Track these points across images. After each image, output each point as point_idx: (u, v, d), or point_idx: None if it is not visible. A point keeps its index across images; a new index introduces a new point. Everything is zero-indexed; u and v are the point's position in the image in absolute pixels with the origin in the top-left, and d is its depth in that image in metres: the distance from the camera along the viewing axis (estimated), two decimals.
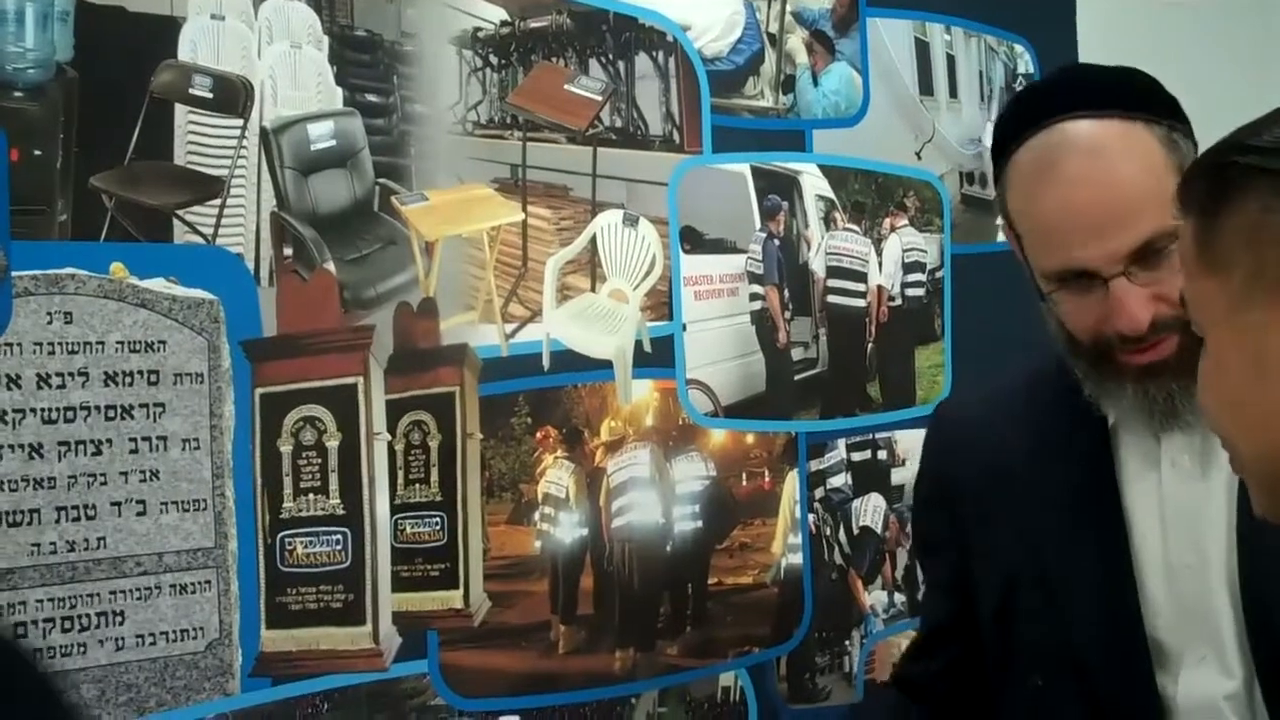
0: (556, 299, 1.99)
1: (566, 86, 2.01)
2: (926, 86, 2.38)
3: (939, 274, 2.39)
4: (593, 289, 2.03)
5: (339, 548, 1.78)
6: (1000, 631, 1.62)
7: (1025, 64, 2.50)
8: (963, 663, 1.67)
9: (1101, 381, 1.50)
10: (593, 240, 2.02)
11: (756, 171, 2.18)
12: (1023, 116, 1.52)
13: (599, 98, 2.03)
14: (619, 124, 2.05)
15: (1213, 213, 1.00)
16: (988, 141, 2.46)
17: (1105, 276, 1.44)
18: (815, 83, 2.24)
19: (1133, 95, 1.50)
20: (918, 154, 2.37)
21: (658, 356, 2.09)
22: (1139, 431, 1.53)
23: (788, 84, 2.21)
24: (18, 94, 1.56)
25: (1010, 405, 1.66)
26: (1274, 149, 0.98)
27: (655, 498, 2.10)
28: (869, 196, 2.31)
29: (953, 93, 2.42)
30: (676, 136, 2.10)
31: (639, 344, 2.06)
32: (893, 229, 2.33)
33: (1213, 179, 1.01)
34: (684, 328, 2.10)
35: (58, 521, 1.58)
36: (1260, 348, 0.98)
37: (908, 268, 2.35)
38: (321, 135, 1.80)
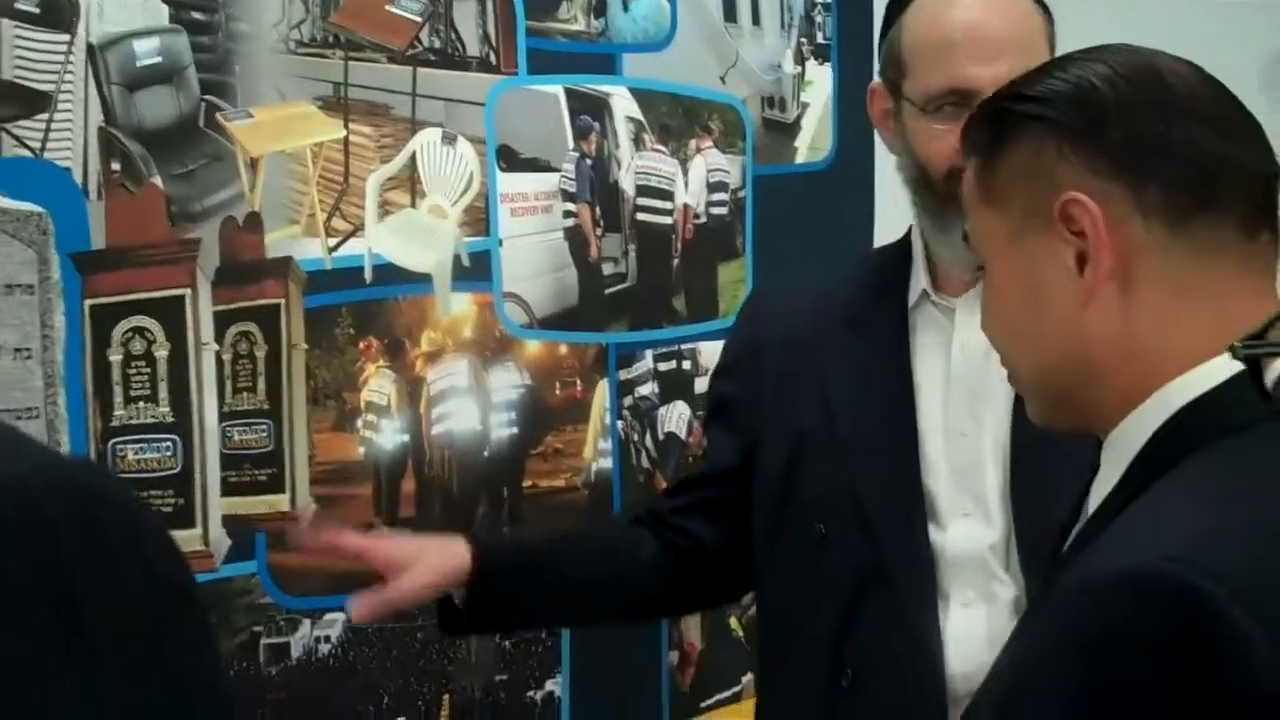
0: (378, 214, 2.05)
1: (387, 7, 2.06)
2: (730, 14, 2.48)
3: (741, 194, 2.50)
4: (413, 205, 2.09)
5: (169, 454, 1.84)
6: (786, 484, 1.78)
7: None
8: (721, 504, 1.83)
9: (943, 215, 1.67)
10: (412, 158, 2.08)
11: (570, 93, 2.26)
12: None
13: (419, 19, 2.08)
14: (438, 45, 2.11)
15: (993, 153, 1.13)
16: (787, 68, 2.59)
17: (976, 96, 1.61)
18: (625, 8, 2.32)
19: None
20: (722, 78, 2.47)
21: (475, 271, 2.16)
22: (933, 313, 1.72)
23: (600, 9, 2.29)
24: None
25: (816, 289, 1.85)
26: (1045, 98, 1.10)
27: (473, 405, 2.18)
28: (676, 119, 2.41)
29: (755, 20, 2.52)
30: (493, 58, 2.17)
31: (457, 258, 2.13)
32: (698, 150, 2.43)
33: (993, 123, 1.14)
34: (500, 243, 2.18)
35: None
36: (1034, 274, 1.11)
37: (712, 187, 2.46)
38: (147, 52, 1.82)
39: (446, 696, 2.16)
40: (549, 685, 2.28)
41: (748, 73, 2.51)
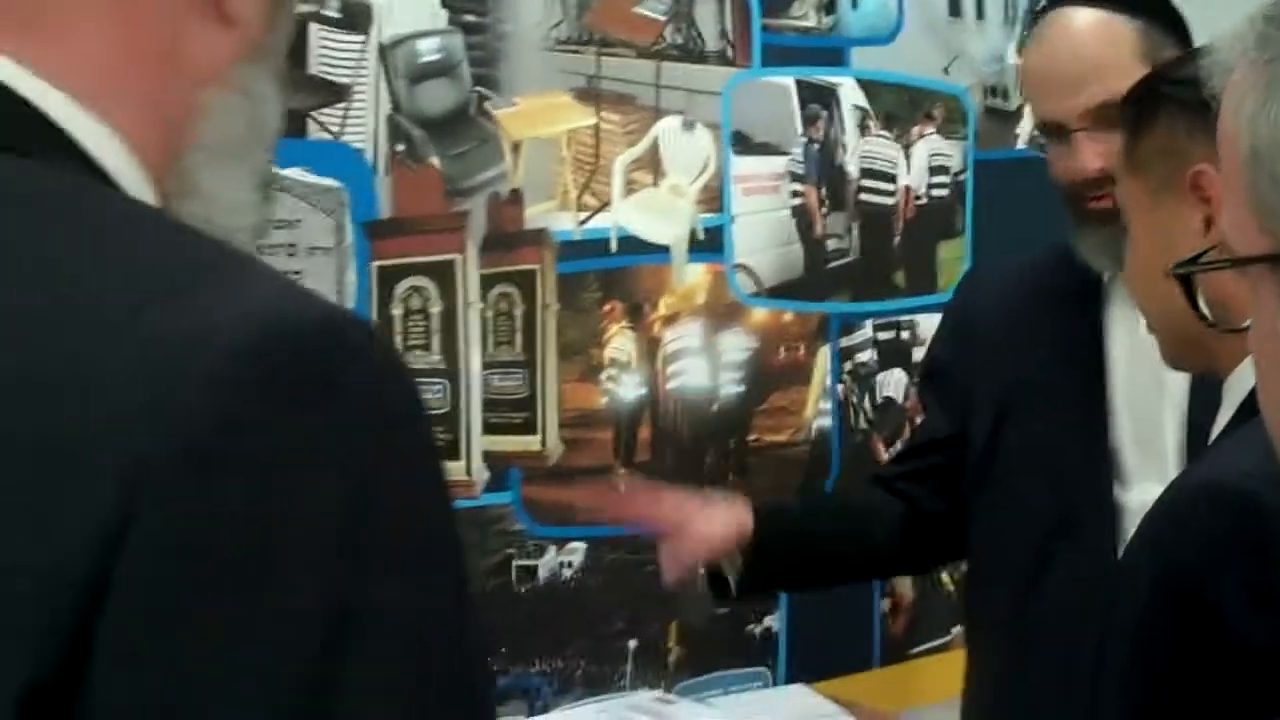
0: (623, 192, 2.30)
1: (635, 9, 2.31)
2: (955, 9, 2.65)
3: (961, 177, 2.67)
4: (655, 184, 2.33)
5: (440, 395, 2.13)
6: (989, 441, 1.94)
7: None
8: (943, 470, 2.01)
9: (1077, 225, 1.86)
10: (655, 142, 2.32)
11: (800, 84, 2.46)
12: (1043, 10, 1.90)
13: (663, 18, 2.33)
14: (680, 41, 2.35)
15: (1138, 129, 1.31)
16: (1011, 60, 2.75)
17: (1070, 130, 1.80)
18: (855, 5, 2.52)
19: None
20: (946, 70, 2.64)
21: (709, 243, 2.38)
22: (1124, 290, 1.87)
23: (830, 6, 2.49)
24: None
25: (1023, 271, 2.02)
26: (1186, 81, 1.27)
27: (704, 365, 2.41)
28: (900, 107, 2.59)
29: (979, 14, 2.69)
30: (730, 52, 2.39)
31: (694, 232, 2.36)
32: (921, 136, 2.61)
33: (1140, 102, 1.32)
34: (733, 219, 2.40)
35: None
36: (1166, 231, 1.28)
37: (933, 170, 2.64)
38: (429, 50, 2.11)
39: (674, 624, 2.41)
40: (768, 621, 2.51)
41: (971, 64, 2.67)
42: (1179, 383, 1.82)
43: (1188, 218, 1.25)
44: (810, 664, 2.48)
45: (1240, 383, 1.24)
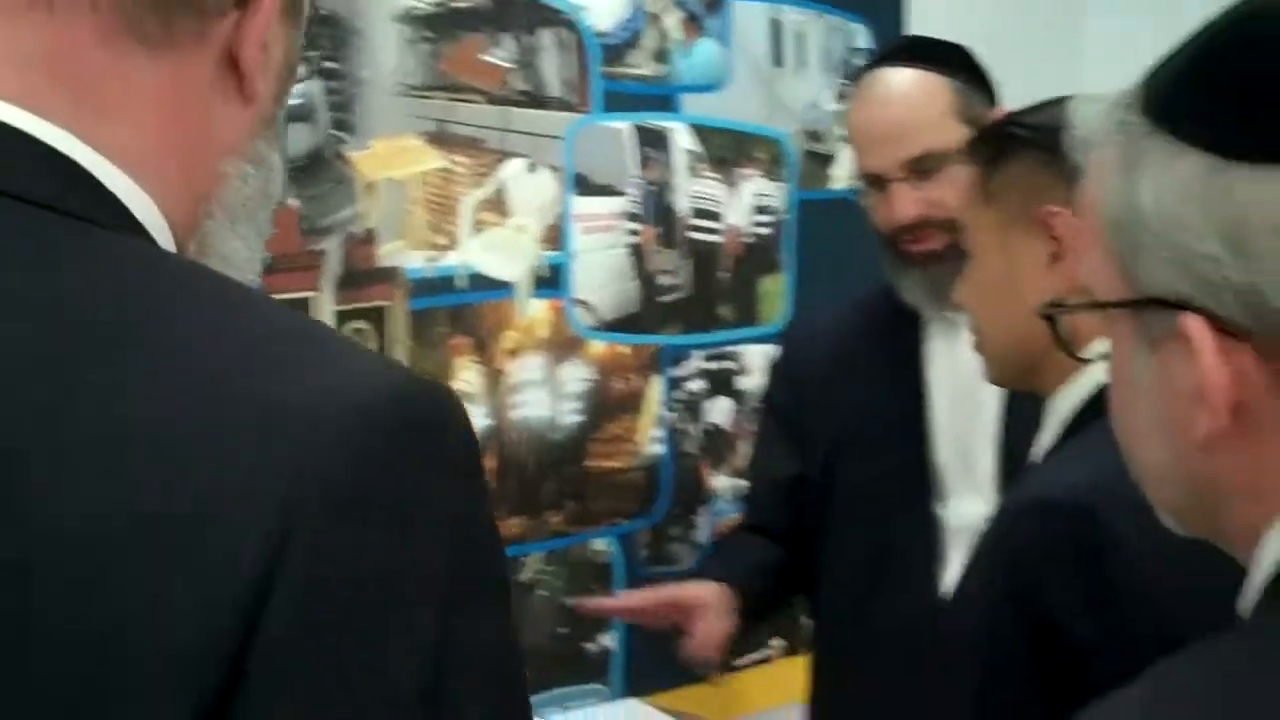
0: (472, 231, 2.39)
1: (483, 56, 2.41)
2: (778, 60, 2.80)
3: (784, 216, 2.83)
4: (501, 224, 2.42)
5: None
6: (825, 478, 2.08)
7: (862, 39, 2.95)
8: (801, 510, 2.14)
9: (897, 267, 2.01)
10: (502, 183, 2.41)
11: (636, 129, 2.58)
12: (865, 68, 2.04)
13: (509, 65, 2.43)
14: (525, 87, 2.45)
15: (994, 163, 1.44)
16: (829, 106, 2.92)
17: (890, 180, 1.96)
18: (686, 55, 2.66)
19: (939, 56, 1.99)
20: (769, 116, 2.80)
21: (551, 280, 2.47)
22: (939, 318, 2.01)
23: (663, 55, 2.63)
24: None
25: (848, 314, 2.15)
26: (1039, 127, 1.40)
27: (545, 396, 2.49)
28: (728, 151, 2.73)
29: (801, 64, 2.85)
30: (572, 98, 2.49)
31: (537, 269, 2.46)
32: (746, 177, 2.75)
33: (996, 141, 1.45)
34: (573, 257, 2.49)
35: None
36: (1013, 259, 1.40)
37: (757, 210, 2.77)
38: (290, 96, 2.18)
39: None
40: (603, 639, 2.60)
41: (792, 111, 2.83)
42: (993, 406, 1.99)
43: (1036, 250, 1.37)
44: (644, 679, 2.59)
45: (1063, 403, 1.38)
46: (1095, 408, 1.33)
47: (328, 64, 2.21)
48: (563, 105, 2.48)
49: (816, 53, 2.86)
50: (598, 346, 2.56)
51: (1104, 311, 0.85)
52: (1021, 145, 1.40)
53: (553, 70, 2.47)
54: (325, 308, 2.22)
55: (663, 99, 2.62)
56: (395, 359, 0.79)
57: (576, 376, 2.54)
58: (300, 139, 2.19)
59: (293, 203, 2.18)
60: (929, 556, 2.00)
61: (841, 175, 2.93)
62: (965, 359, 1.97)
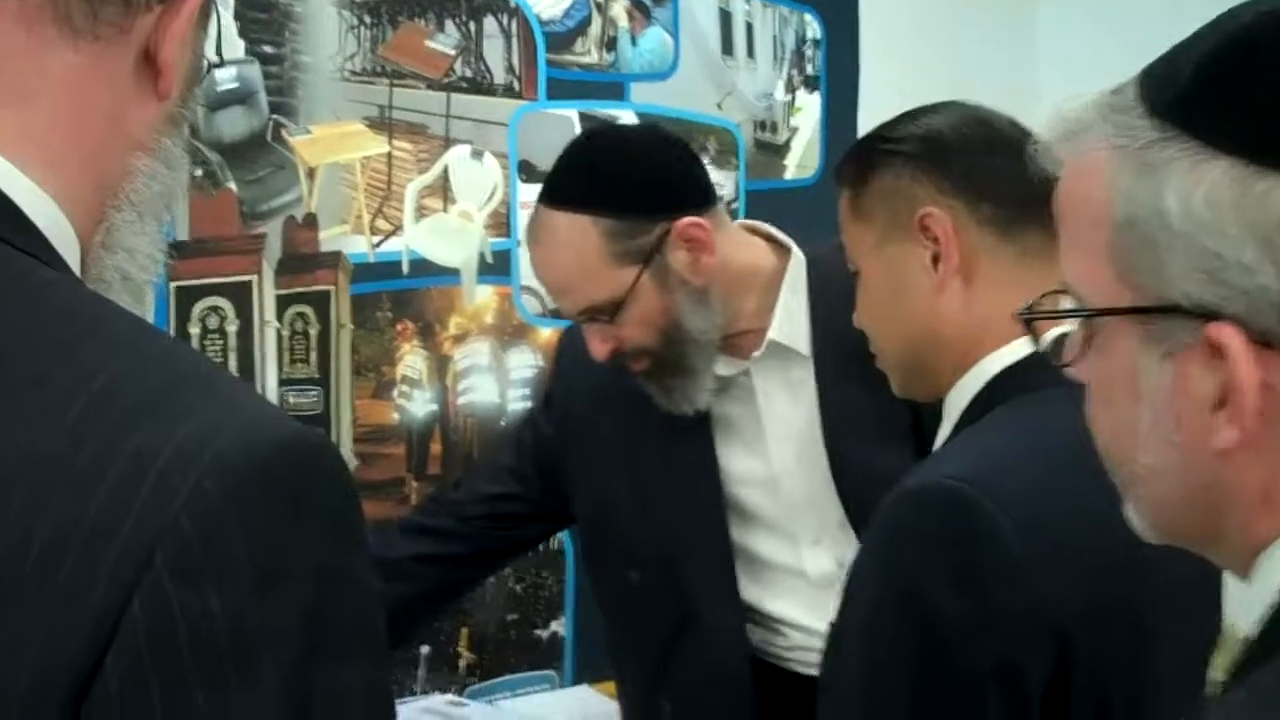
0: (415, 217, 2.39)
1: (426, 42, 2.41)
2: (728, 48, 2.81)
3: (734, 205, 2.84)
4: (444, 209, 2.43)
5: None
6: (595, 533, 1.98)
7: (814, 30, 2.96)
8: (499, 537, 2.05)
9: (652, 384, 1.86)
10: (445, 169, 2.42)
11: (583, 116, 2.58)
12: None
13: (453, 52, 2.43)
14: (469, 74, 2.46)
15: (861, 180, 1.44)
16: (779, 96, 2.93)
17: (578, 321, 1.84)
18: (634, 43, 2.67)
19: (588, 191, 1.78)
20: (719, 105, 2.79)
21: (497, 266, 2.48)
22: (732, 373, 1.87)
23: (610, 43, 2.63)
24: None
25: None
26: (902, 138, 1.41)
27: (492, 382, 2.51)
28: None
29: (750, 54, 2.86)
30: (517, 85, 2.51)
31: (482, 255, 2.47)
32: None
33: (862, 158, 1.46)
34: (519, 243, 2.49)
35: None
36: (898, 273, 1.40)
37: None
38: (226, 79, 2.18)
39: (464, 630, 2.51)
40: (554, 625, 2.62)
41: (742, 100, 2.84)
42: (815, 451, 1.85)
43: (917, 255, 1.38)
44: (595, 667, 2.58)
45: (957, 400, 1.39)
46: (987, 400, 1.34)
47: (267, 48, 2.22)
48: (508, 92, 2.49)
49: (767, 42, 2.88)
50: (545, 333, 2.57)
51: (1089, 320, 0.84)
52: (885, 157, 1.41)
53: (497, 57, 2.49)
54: (266, 291, 2.23)
55: (610, 86, 2.64)
56: (276, 406, 0.85)
57: (524, 363, 2.55)
58: (238, 123, 2.20)
59: (232, 187, 2.19)
60: (730, 636, 1.88)
61: (792, 165, 2.95)
62: (772, 399, 1.89)
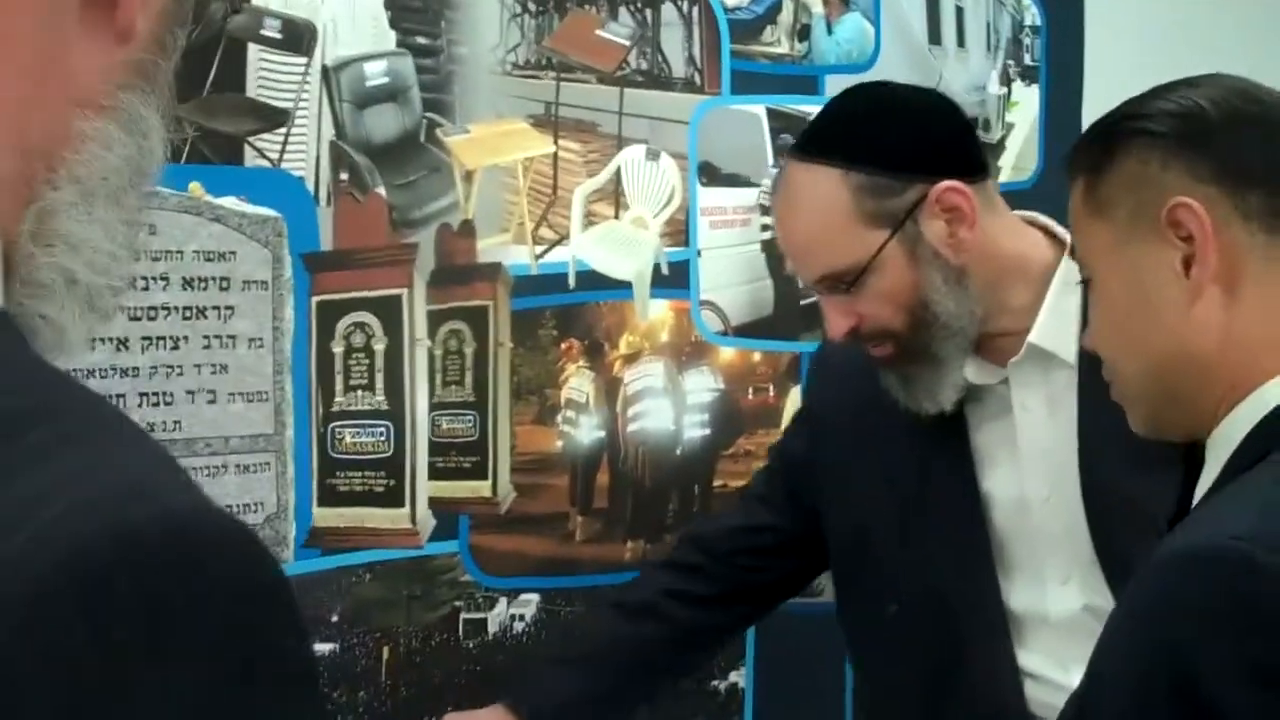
0: (583, 224, 2.20)
1: (597, 32, 2.21)
2: (935, 37, 2.55)
3: None
4: (616, 216, 2.24)
5: (382, 439, 2.02)
6: (851, 561, 1.83)
7: (1032, 16, 2.67)
8: (772, 554, 1.93)
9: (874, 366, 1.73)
10: (617, 172, 2.23)
11: (772, 113, 2.36)
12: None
13: (627, 42, 2.23)
14: (645, 67, 2.25)
15: (1101, 167, 1.21)
16: (992, 89, 2.65)
17: (817, 291, 1.70)
18: (829, 31, 2.42)
19: (843, 142, 1.66)
20: None
21: (674, 279, 2.28)
22: (989, 382, 1.71)
23: (803, 32, 2.40)
24: None
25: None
26: (1151, 115, 1.18)
27: (668, 406, 2.31)
28: None
29: (960, 43, 2.59)
30: (698, 79, 2.30)
31: (657, 267, 2.26)
32: None
33: (1102, 141, 1.22)
34: (699, 253, 2.30)
35: (139, 405, 1.83)
36: (1141, 279, 1.18)
37: None
38: (376, 73, 2.01)
39: None
40: (733, 676, 2.39)
41: (951, 93, 2.57)
42: (1070, 475, 1.67)
43: (1166, 258, 1.15)
44: None
45: (1227, 438, 1.14)
46: (1267, 435, 1.10)
47: (420, 39, 2.04)
48: (687, 86, 2.29)
49: (979, 30, 2.60)
50: (727, 353, 2.37)
51: None
52: (1130, 138, 1.17)
53: (676, 47, 2.28)
54: (417, 307, 2.06)
55: (802, 80, 2.41)
56: (169, 464, 0.63)
57: (703, 386, 2.35)
58: (389, 121, 2.03)
59: (381, 191, 2.01)
60: (998, 664, 1.70)
61: (1007, 166, 2.66)
62: (1030, 414, 1.70)
